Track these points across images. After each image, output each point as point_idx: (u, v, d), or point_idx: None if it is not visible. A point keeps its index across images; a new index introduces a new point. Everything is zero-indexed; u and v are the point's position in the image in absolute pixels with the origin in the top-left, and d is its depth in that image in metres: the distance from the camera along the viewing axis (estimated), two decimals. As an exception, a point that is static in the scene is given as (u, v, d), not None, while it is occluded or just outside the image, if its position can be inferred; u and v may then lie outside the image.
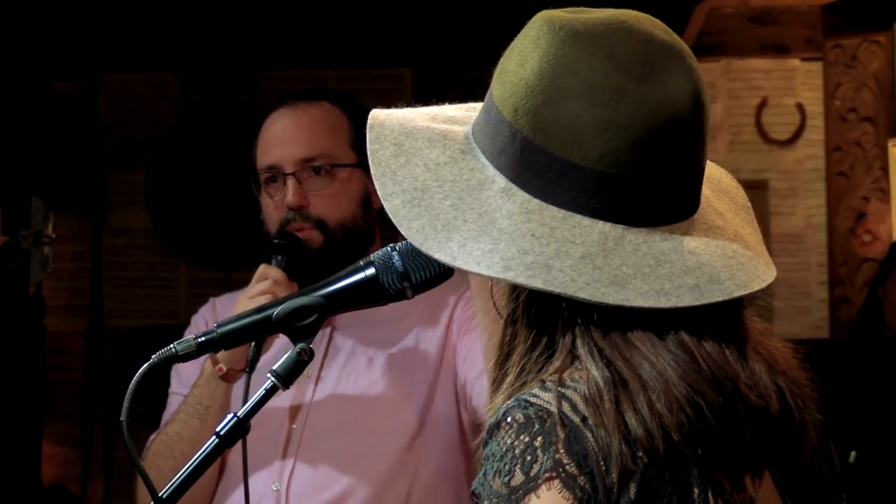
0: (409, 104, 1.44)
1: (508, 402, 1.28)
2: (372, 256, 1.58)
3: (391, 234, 2.19)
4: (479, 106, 1.39)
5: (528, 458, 1.23)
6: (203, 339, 1.61)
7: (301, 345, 1.60)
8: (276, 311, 1.61)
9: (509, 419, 1.25)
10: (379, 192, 1.32)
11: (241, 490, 2.20)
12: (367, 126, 1.37)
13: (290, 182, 2.40)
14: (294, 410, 2.36)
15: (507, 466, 1.24)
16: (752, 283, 1.31)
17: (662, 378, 1.25)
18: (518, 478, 1.23)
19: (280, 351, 2.22)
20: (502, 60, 1.35)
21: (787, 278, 5.32)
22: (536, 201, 1.29)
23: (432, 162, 1.33)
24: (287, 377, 1.59)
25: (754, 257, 1.34)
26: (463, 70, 4.82)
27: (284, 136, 2.43)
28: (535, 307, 1.31)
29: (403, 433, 2.34)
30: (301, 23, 4.97)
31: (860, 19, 5.40)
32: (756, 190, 5.28)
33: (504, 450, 1.25)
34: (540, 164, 1.29)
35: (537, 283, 1.25)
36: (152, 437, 2.38)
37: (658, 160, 1.28)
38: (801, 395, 1.34)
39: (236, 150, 2.56)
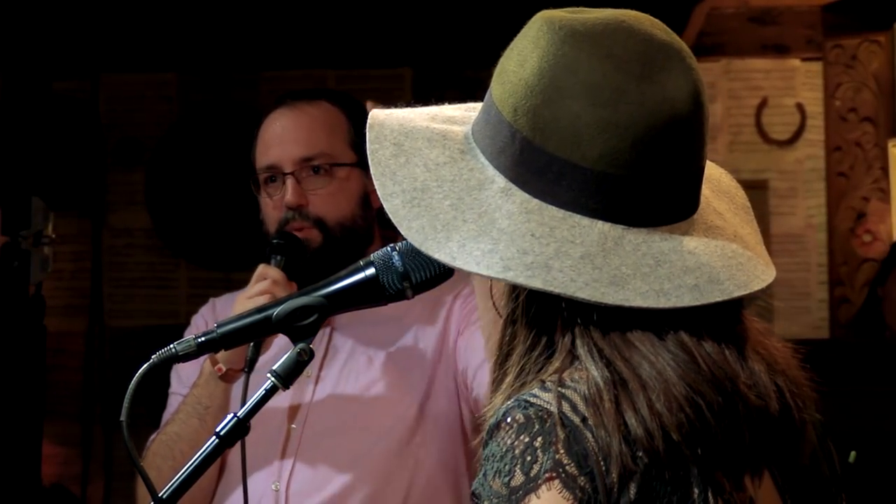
0: (408, 104, 1.45)
1: (508, 402, 1.28)
2: (372, 256, 1.59)
3: (390, 233, 2.20)
4: (478, 106, 1.39)
5: (528, 458, 1.23)
6: (203, 339, 1.61)
7: (301, 345, 1.60)
8: (277, 311, 1.61)
9: (509, 419, 1.26)
10: (378, 192, 1.32)
11: (240, 490, 2.20)
12: (367, 126, 1.37)
13: (290, 181, 2.40)
14: (293, 410, 2.36)
15: (507, 467, 1.24)
16: (751, 283, 1.31)
17: (662, 378, 1.25)
18: (518, 478, 1.23)
19: (280, 351, 2.22)
20: (502, 60, 1.35)
21: (787, 278, 5.32)
22: (536, 201, 1.29)
23: (432, 162, 1.33)
24: (287, 377, 1.59)
25: (754, 257, 1.34)
26: (463, 70, 4.82)
27: (283, 136, 2.44)
28: (535, 307, 1.31)
29: (402, 430, 2.34)
30: (301, 23, 4.97)
31: (860, 19, 5.39)
32: (756, 190, 5.28)
33: (504, 450, 1.25)
34: (539, 164, 1.29)
35: (537, 283, 1.25)
36: (152, 437, 2.39)
37: (658, 160, 1.28)
38: (800, 394, 1.34)
39: (236, 150, 2.56)
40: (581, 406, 1.25)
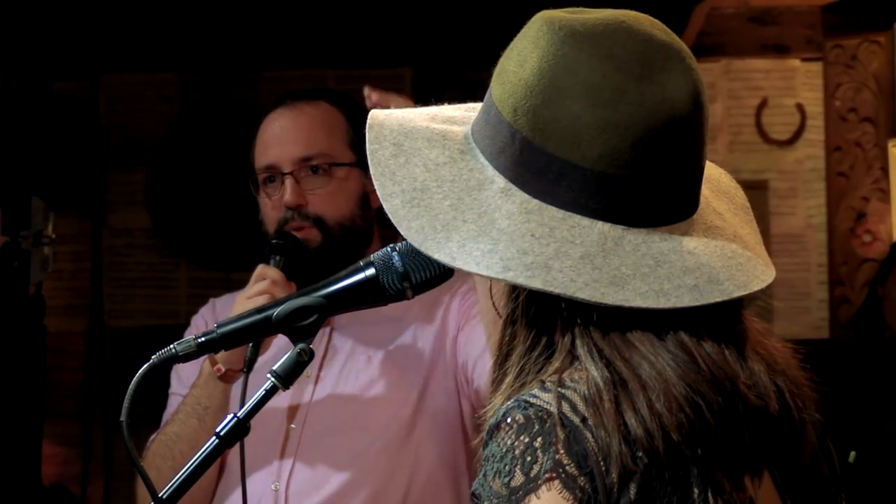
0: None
1: (508, 402, 1.28)
2: (372, 257, 1.59)
3: (390, 233, 2.19)
4: (478, 106, 1.39)
5: (528, 458, 1.23)
6: (203, 339, 1.61)
7: (301, 345, 1.60)
8: (277, 311, 1.61)
9: (509, 420, 1.26)
10: (378, 193, 1.32)
11: (240, 490, 2.20)
12: (367, 126, 1.37)
13: (288, 181, 2.40)
14: (293, 410, 2.36)
15: (507, 467, 1.24)
16: (751, 283, 1.31)
17: (662, 378, 1.25)
18: (518, 478, 1.23)
19: (279, 351, 2.22)
20: (502, 60, 1.35)
21: (787, 278, 5.32)
22: (536, 201, 1.29)
23: (431, 162, 1.33)
24: (287, 377, 1.59)
25: (753, 258, 1.34)
26: (463, 70, 4.82)
27: (282, 136, 2.44)
28: (535, 307, 1.31)
29: (400, 428, 2.34)
30: (301, 23, 4.97)
31: (860, 19, 5.39)
32: (756, 190, 5.28)
33: (504, 450, 1.25)
34: (539, 164, 1.29)
35: (537, 284, 1.25)
36: (152, 437, 2.39)
37: (657, 160, 1.28)
38: (800, 394, 1.34)
39: (236, 150, 2.56)
40: (581, 406, 1.25)
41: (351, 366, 2.40)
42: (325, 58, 5.05)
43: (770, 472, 1.33)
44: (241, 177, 2.52)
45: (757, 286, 1.31)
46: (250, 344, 2.18)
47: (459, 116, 1.41)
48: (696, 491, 1.25)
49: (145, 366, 1.57)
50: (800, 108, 5.48)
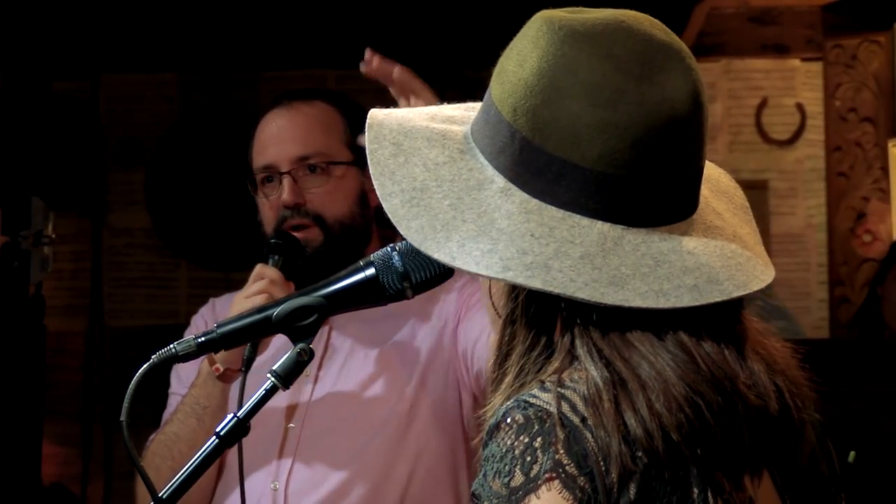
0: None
1: (508, 402, 1.28)
2: (372, 256, 1.59)
3: (389, 232, 2.19)
4: (477, 105, 1.39)
5: (528, 458, 1.23)
6: (203, 339, 1.61)
7: (301, 345, 1.60)
8: (277, 311, 1.61)
9: (509, 420, 1.26)
10: (378, 192, 1.32)
11: (239, 489, 2.20)
12: (366, 125, 1.37)
13: (286, 181, 2.41)
14: (291, 410, 2.36)
15: (506, 467, 1.24)
16: (750, 283, 1.31)
17: (661, 378, 1.25)
18: (518, 478, 1.23)
19: (277, 351, 2.22)
20: (501, 60, 1.35)
21: (787, 278, 5.32)
22: (535, 201, 1.29)
23: (431, 162, 1.33)
24: (287, 377, 1.59)
25: (753, 257, 1.34)
26: (463, 70, 4.82)
27: (279, 136, 2.44)
28: (534, 307, 1.31)
29: (400, 423, 2.34)
30: (301, 23, 4.97)
31: (860, 19, 5.40)
32: (756, 190, 5.28)
33: (504, 451, 1.25)
34: (539, 164, 1.29)
35: (536, 284, 1.25)
36: (152, 437, 2.39)
37: (657, 160, 1.28)
38: (799, 394, 1.34)
39: (236, 150, 2.56)
40: (580, 406, 1.25)
41: (350, 365, 2.40)
42: (325, 58, 5.05)
43: (769, 472, 1.33)
44: (240, 177, 2.52)
45: (756, 286, 1.31)
46: (248, 344, 2.18)
47: (459, 116, 1.41)
48: (695, 491, 1.25)
49: (145, 366, 1.57)
50: (800, 107, 5.48)
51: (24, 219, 3.80)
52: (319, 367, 2.39)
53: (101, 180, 5.20)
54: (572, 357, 1.29)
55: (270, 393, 1.58)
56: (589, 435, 1.23)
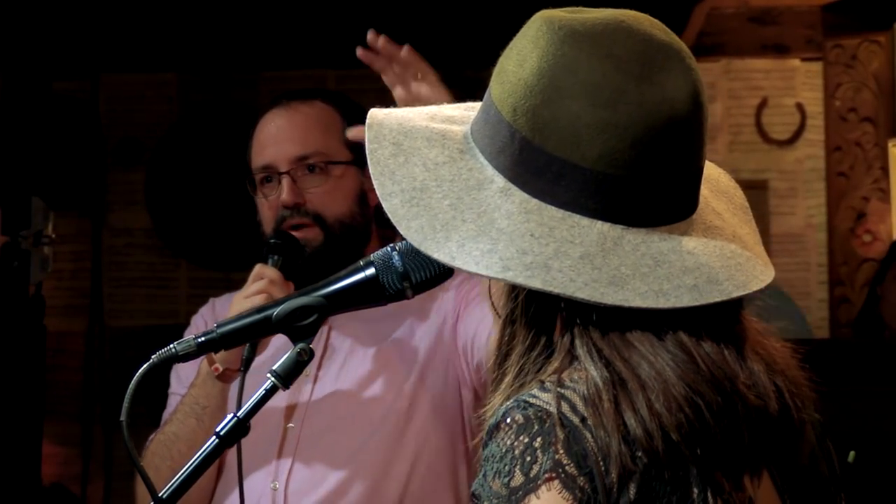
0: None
1: (508, 402, 1.28)
2: (372, 256, 1.59)
3: (388, 232, 2.19)
4: (477, 105, 1.39)
5: (528, 458, 1.23)
6: (203, 339, 1.61)
7: (301, 345, 1.60)
8: (277, 311, 1.61)
9: (508, 420, 1.26)
10: (378, 192, 1.32)
11: (238, 489, 2.20)
12: (366, 125, 1.37)
13: (285, 181, 2.41)
14: (291, 410, 2.36)
15: (506, 467, 1.24)
16: (750, 283, 1.31)
17: (661, 378, 1.25)
18: (518, 479, 1.23)
19: (276, 351, 2.22)
20: (501, 60, 1.35)
21: (787, 278, 5.32)
22: (535, 201, 1.29)
23: (431, 161, 1.33)
24: (287, 377, 1.59)
25: (752, 257, 1.34)
26: (463, 70, 4.82)
27: (278, 136, 2.44)
28: (534, 307, 1.31)
29: (399, 420, 2.34)
30: (301, 23, 4.97)
31: (860, 19, 5.39)
32: (756, 190, 5.28)
33: (503, 451, 1.25)
34: (539, 163, 1.29)
35: (536, 284, 1.25)
36: (151, 437, 2.39)
37: (657, 160, 1.28)
38: (799, 394, 1.34)
39: (236, 150, 2.56)
40: (580, 406, 1.25)
41: (349, 365, 2.40)
42: (325, 58, 5.05)
43: (769, 472, 1.33)
44: (240, 177, 2.52)
45: (756, 286, 1.31)
46: (247, 344, 2.18)
47: (459, 116, 1.41)
48: (695, 491, 1.25)
49: (145, 366, 1.57)
50: (800, 107, 5.48)
51: (24, 219, 3.80)
52: (319, 367, 2.39)
53: (101, 180, 5.20)
54: (572, 357, 1.29)
55: (270, 393, 1.58)
56: (589, 435, 1.23)
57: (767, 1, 5.46)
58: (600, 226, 1.28)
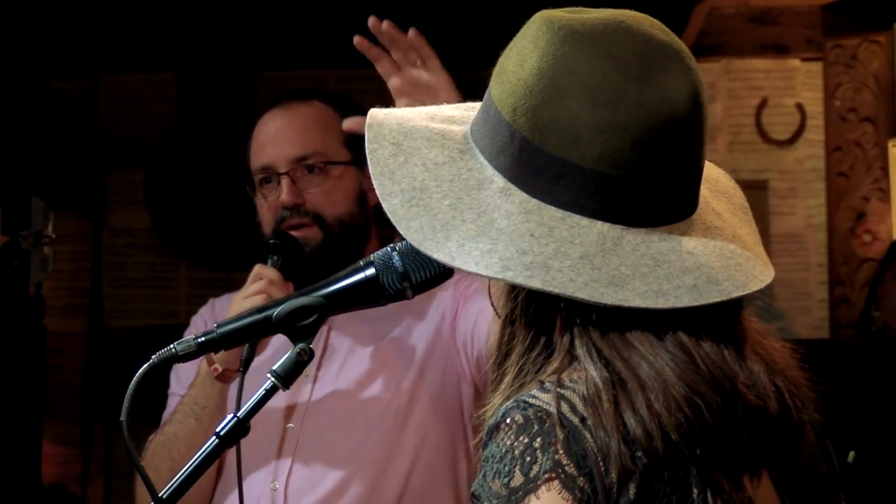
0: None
1: (507, 403, 1.28)
2: (372, 256, 1.59)
3: (388, 231, 2.19)
4: (477, 105, 1.39)
5: (528, 459, 1.23)
6: (203, 339, 1.61)
7: (301, 345, 1.60)
8: (277, 311, 1.61)
9: (508, 420, 1.26)
10: (377, 192, 1.32)
11: (238, 489, 2.20)
12: (366, 125, 1.37)
13: (285, 181, 2.41)
14: (290, 410, 2.36)
15: (506, 468, 1.24)
16: (750, 283, 1.31)
17: (661, 378, 1.25)
18: (517, 479, 1.23)
19: (276, 352, 2.22)
20: (501, 60, 1.35)
21: (787, 278, 5.32)
22: (535, 201, 1.29)
23: (431, 161, 1.33)
24: (287, 377, 1.59)
25: (752, 258, 1.34)
26: (463, 70, 4.82)
27: (277, 136, 2.44)
28: (534, 307, 1.31)
29: (397, 417, 2.34)
30: (301, 23, 4.97)
31: (860, 19, 5.39)
32: (756, 190, 5.28)
33: (503, 451, 1.25)
34: (538, 164, 1.29)
35: (536, 284, 1.25)
36: (151, 437, 2.39)
37: (657, 160, 1.28)
38: (799, 394, 1.34)
39: (236, 150, 2.56)
40: (580, 406, 1.25)
41: (349, 365, 2.40)
42: (325, 58, 5.05)
43: (769, 472, 1.33)
44: (240, 177, 2.52)
45: (756, 286, 1.31)
46: (247, 344, 2.18)
47: (458, 116, 1.41)
48: (695, 491, 1.25)
49: (145, 366, 1.57)
50: (800, 107, 5.48)
51: (24, 219, 3.80)
52: (318, 368, 2.39)
53: (101, 180, 5.20)
54: (572, 357, 1.29)
55: (270, 393, 1.58)
56: (588, 435, 1.23)
57: (767, 1, 5.46)
58: (600, 226, 1.28)
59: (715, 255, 1.31)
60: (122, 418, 1.54)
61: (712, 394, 1.26)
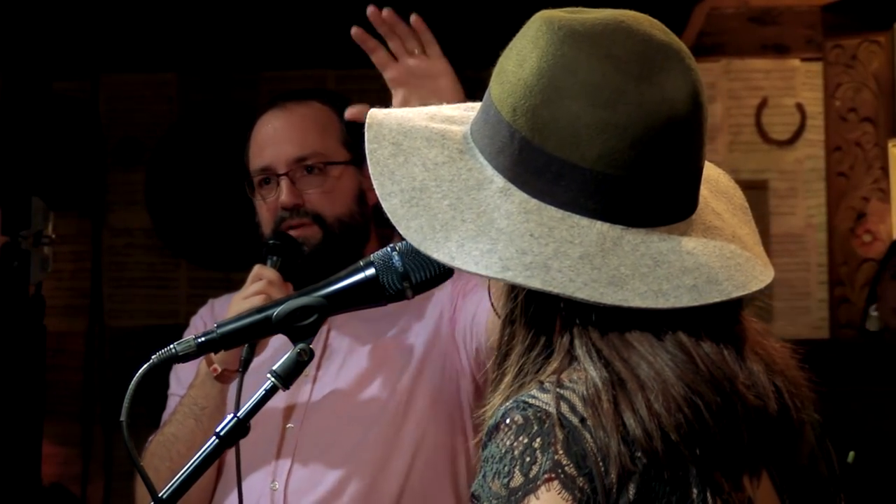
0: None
1: (507, 403, 1.28)
2: (372, 257, 1.59)
3: (388, 231, 2.19)
4: (477, 105, 1.39)
5: (527, 459, 1.23)
6: (203, 339, 1.61)
7: (301, 345, 1.60)
8: (277, 311, 1.61)
9: (508, 421, 1.26)
10: (377, 192, 1.32)
11: (237, 489, 2.20)
12: (366, 125, 1.37)
13: (284, 182, 2.41)
14: (290, 410, 2.37)
15: (506, 468, 1.24)
16: (749, 283, 1.31)
17: (660, 378, 1.25)
18: (517, 479, 1.23)
19: (275, 352, 2.22)
20: (501, 60, 1.35)
21: (787, 278, 5.31)
22: (535, 201, 1.29)
23: (430, 161, 1.33)
24: (287, 377, 1.59)
25: (752, 258, 1.34)
26: (463, 70, 4.82)
27: (276, 137, 2.44)
28: (534, 307, 1.31)
29: (396, 416, 2.34)
30: (301, 23, 4.97)
31: (860, 19, 5.39)
32: (756, 190, 5.27)
33: (503, 451, 1.25)
34: (538, 164, 1.29)
35: (536, 284, 1.25)
36: (150, 437, 2.39)
37: (656, 161, 1.28)
38: (798, 395, 1.34)
39: (236, 151, 2.56)
40: (579, 407, 1.25)
41: (349, 365, 2.40)
42: (325, 58, 5.05)
43: (769, 472, 1.33)
44: (240, 177, 2.52)
45: (755, 286, 1.31)
46: (246, 344, 2.18)
47: (458, 116, 1.41)
48: (694, 491, 1.25)
49: (145, 366, 1.57)
50: (800, 107, 5.48)
51: (24, 219, 3.81)
52: (318, 368, 2.39)
53: (101, 180, 5.19)
54: (571, 357, 1.29)
55: (270, 393, 1.58)
56: (588, 435, 1.23)
57: (767, 1, 5.45)
58: (600, 226, 1.28)
59: (715, 255, 1.31)
60: (122, 418, 1.54)
61: (712, 394, 1.26)
